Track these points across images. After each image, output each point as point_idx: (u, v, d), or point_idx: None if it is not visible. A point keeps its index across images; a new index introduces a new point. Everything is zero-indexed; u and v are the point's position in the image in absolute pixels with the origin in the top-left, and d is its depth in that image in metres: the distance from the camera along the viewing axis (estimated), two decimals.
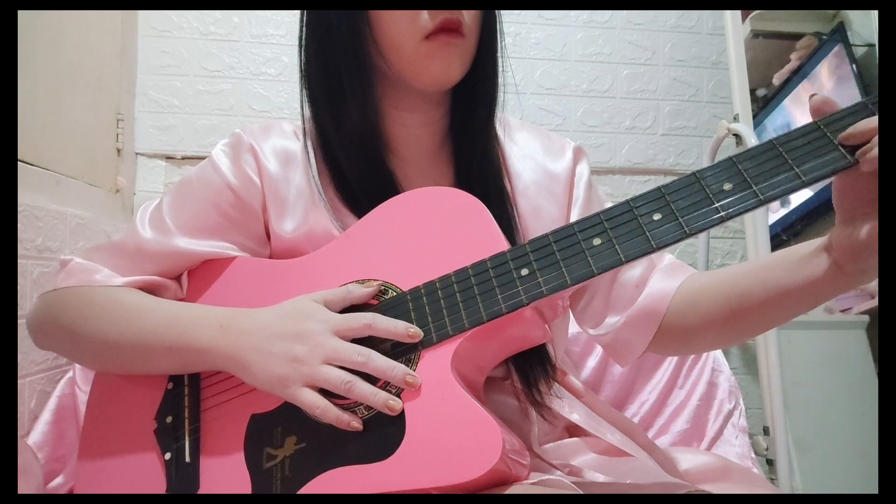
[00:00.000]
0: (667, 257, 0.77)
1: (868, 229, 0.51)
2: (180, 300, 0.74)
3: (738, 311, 0.65)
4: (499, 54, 0.76)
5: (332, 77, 0.73)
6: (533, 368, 0.70)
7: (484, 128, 0.76)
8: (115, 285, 0.71)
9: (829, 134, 0.52)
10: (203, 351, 0.65)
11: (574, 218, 0.78)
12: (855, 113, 0.51)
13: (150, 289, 0.72)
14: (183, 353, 0.66)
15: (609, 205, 0.60)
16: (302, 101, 0.77)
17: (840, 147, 0.51)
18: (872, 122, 0.49)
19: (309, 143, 0.77)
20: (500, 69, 0.76)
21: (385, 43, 0.70)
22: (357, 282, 0.66)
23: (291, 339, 0.61)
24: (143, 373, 0.71)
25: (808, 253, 0.58)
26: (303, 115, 0.78)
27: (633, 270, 0.75)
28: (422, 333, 0.60)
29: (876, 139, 0.48)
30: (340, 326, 0.61)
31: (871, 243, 0.51)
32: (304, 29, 0.76)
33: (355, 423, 0.59)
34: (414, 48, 0.68)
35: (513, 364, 0.70)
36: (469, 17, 0.70)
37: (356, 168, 0.73)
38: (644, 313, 0.72)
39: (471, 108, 0.76)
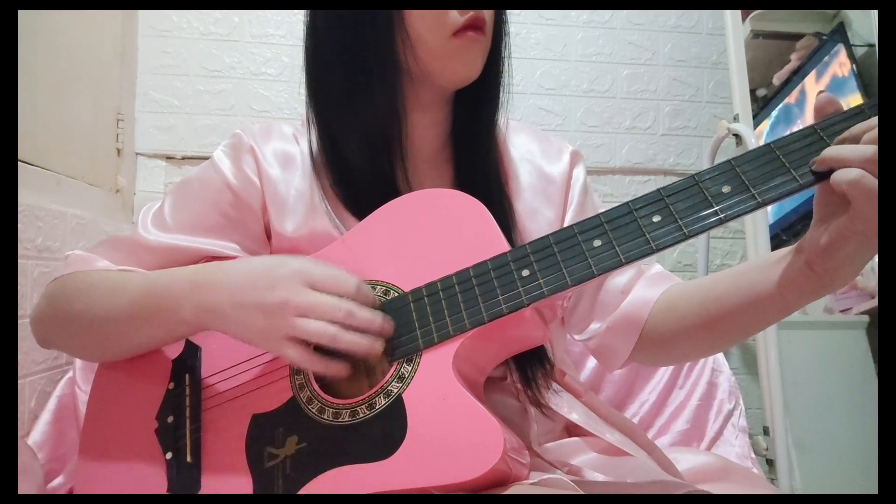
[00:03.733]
0: (655, 267, 0.77)
1: (836, 226, 0.50)
2: None
3: (714, 316, 0.65)
4: (504, 55, 0.76)
5: (358, 75, 0.72)
6: (532, 366, 0.71)
7: (487, 129, 0.77)
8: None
9: (825, 138, 0.52)
10: (180, 313, 0.64)
11: (568, 221, 0.78)
12: (853, 117, 0.52)
13: None
14: (164, 318, 0.65)
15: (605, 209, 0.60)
16: (308, 102, 0.76)
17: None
18: (868, 125, 0.49)
19: (310, 145, 0.77)
20: (504, 70, 0.76)
21: (413, 38, 0.70)
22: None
23: (263, 288, 0.59)
24: (137, 349, 0.71)
25: (781, 255, 0.59)
26: (307, 117, 0.77)
27: (621, 277, 0.75)
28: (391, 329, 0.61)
29: (867, 137, 0.48)
30: (317, 280, 0.59)
31: (838, 240, 0.50)
32: (314, 29, 0.75)
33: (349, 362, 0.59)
34: (442, 44, 0.69)
35: (512, 362, 0.70)
36: (488, 17, 0.71)
37: (365, 168, 0.73)
38: (626, 320, 0.73)
39: (474, 110, 0.76)
